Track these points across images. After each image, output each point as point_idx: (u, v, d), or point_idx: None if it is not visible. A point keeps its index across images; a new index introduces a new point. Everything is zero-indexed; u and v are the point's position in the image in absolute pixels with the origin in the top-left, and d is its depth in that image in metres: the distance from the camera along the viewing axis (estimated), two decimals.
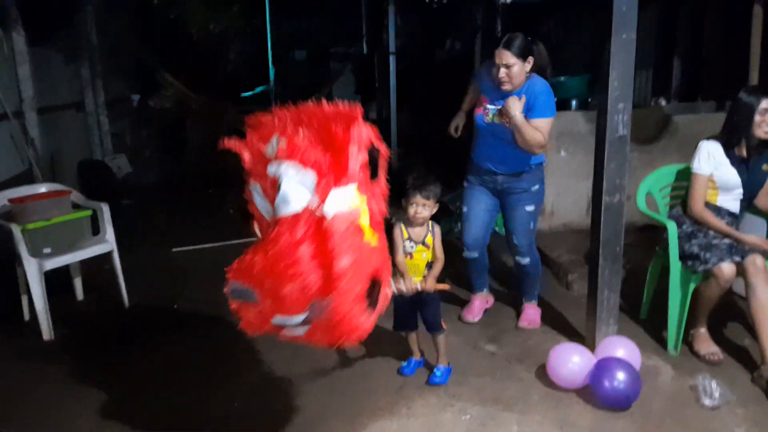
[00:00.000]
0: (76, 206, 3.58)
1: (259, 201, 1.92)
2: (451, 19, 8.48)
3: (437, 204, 2.62)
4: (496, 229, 3.55)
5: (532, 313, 3.29)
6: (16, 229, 3.14)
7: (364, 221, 1.79)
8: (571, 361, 2.60)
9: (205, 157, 8.34)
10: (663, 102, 5.21)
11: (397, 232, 2.65)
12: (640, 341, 2.88)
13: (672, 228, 2.90)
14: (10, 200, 3.41)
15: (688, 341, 2.97)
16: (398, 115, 7.06)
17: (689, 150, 3.00)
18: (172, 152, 8.28)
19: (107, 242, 3.51)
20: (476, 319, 3.33)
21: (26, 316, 3.46)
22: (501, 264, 3.98)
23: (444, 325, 2.76)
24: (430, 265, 2.67)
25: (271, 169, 1.82)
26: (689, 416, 2.45)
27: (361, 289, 1.73)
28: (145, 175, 7.13)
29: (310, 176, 1.76)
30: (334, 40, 10.17)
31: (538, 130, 2.84)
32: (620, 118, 2.59)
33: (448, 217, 4.76)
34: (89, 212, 3.53)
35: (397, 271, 2.60)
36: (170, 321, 3.44)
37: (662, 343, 3.00)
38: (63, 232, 3.41)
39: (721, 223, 2.86)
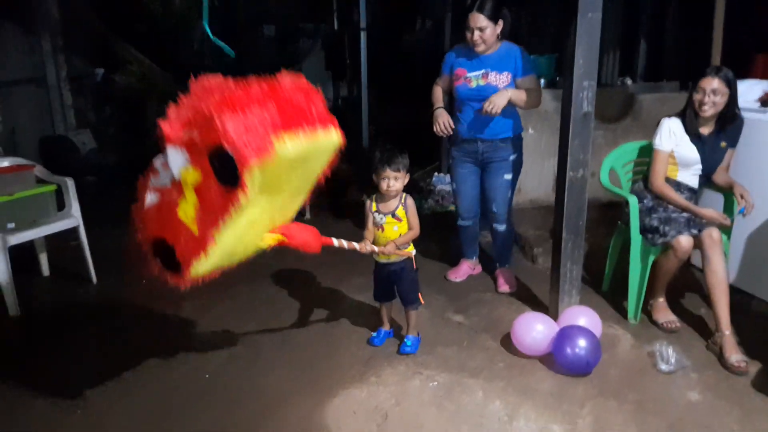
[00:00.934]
0: (41, 181, 3.52)
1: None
2: None
3: (408, 175, 2.65)
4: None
5: (508, 276, 3.47)
6: None
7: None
8: (535, 330, 2.68)
9: None
10: (629, 81, 5.31)
11: (366, 205, 2.69)
12: (601, 311, 2.98)
13: (633, 202, 2.99)
14: None
15: (647, 311, 3.08)
16: (369, 94, 7.03)
17: (652, 128, 3.08)
18: (134, 130, 8.13)
19: (73, 217, 3.46)
20: (459, 280, 3.57)
21: None
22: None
23: (422, 301, 2.81)
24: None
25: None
26: (646, 381, 2.55)
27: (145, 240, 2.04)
28: (109, 151, 7.00)
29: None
30: (304, 16, 10.04)
31: (532, 86, 3.10)
32: (585, 95, 2.65)
33: (418, 194, 4.80)
34: (54, 187, 3.47)
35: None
36: (138, 297, 3.42)
37: (623, 313, 3.11)
38: (27, 207, 3.34)
39: (680, 198, 2.96)
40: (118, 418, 2.36)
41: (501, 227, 3.40)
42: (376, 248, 2.62)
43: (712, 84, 2.82)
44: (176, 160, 1.88)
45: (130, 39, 7.20)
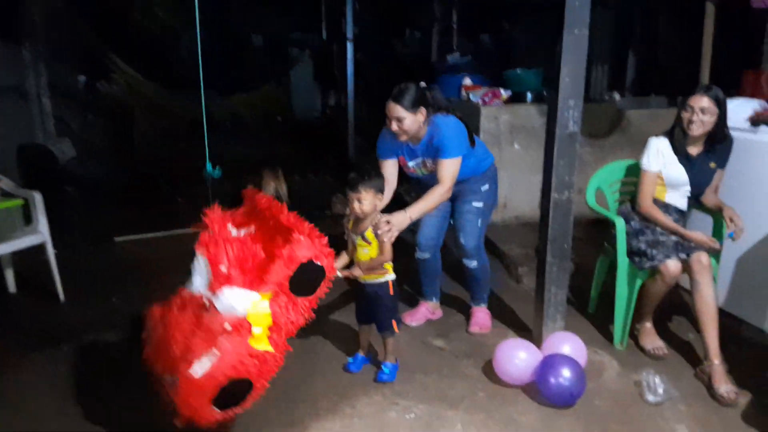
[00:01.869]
0: (7, 195, 3.38)
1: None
2: (409, 10, 8.42)
3: (380, 195, 2.55)
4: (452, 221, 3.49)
5: (482, 317, 3.20)
6: None
7: (258, 330, 2.00)
8: (518, 358, 2.58)
9: (154, 148, 8.11)
10: (617, 96, 5.25)
11: (344, 222, 2.64)
12: (587, 336, 2.90)
13: (620, 224, 2.90)
14: None
15: (634, 335, 2.99)
16: (357, 105, 6.95)
17: (640, 145, 3.00)
18: (119, 141, 8.00)
19: (39, 233, 3.32)
20: (415, 324, 3.21)
21: None
22: (455, 262, 3.94)
23: (396, 329, 2.69)
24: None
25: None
26: (633, 413, 2.45)
27: (212, 386, 1.92)
28: (90, 161, 6.85)
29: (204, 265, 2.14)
30: (292, 26, 9.99)
31: (442, 171, 2.81)
32: (570, 114, 2.56)
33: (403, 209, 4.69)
34: (20, 202, 3.33)
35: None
36: (106, 316, 3.28)
37: (609, 337, 3.01)
38: None
39: (668, 220, 2.88)
40: None
41: (471, 263, 3.07)
42: (350, 273, 2.52)
43: (701, 102, 2.74)
44: (241, 299, 2.01)
45: (115, 47, 7.09)
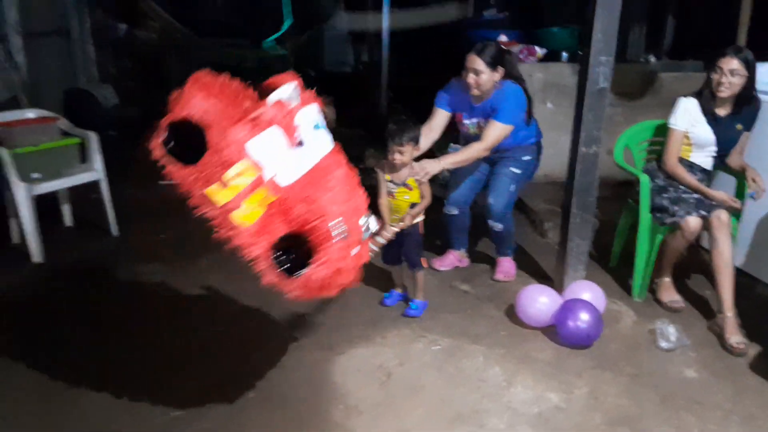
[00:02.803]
0: (65, 134, 3.61)
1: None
2: None
3: (417, 146, 2.70)
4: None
5: (507, 266, 3.32)
6: (5, 153, 3.17)
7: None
8: (539, 302, 2.74)
9: None
10: (652, 58, 5.23)
11: (379, 175, 2.74)
12: (607, 287, 3.03)
13: (645, 180, 3.00)
14: None
15: (652, 289, 3.12)
16: (390, 59, 6.98)
17: (672, 107, 3.06)
18: (154, 86, 8.18)
19: (95, 171, 3.56)
20: (443, 269, 3.35)
21: (15, 239, 3.54)
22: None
23: (425, 264, 2.89)
24: (413, 206, 2.76)
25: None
26: (644, 357, 2.61)
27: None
28: (130, 107, 7.06)
29: None
30: None
31: (489, 132, 2.93)
32: (601, 70, 2.65)
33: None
34: (77, 140, 3.56)
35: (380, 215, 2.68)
36: (156, 251, 3.53)
37: (628, 290, 3.15)
38: (51, 158, 3.44)
39: (691, 179, 2.97)
40: (136, 366, 2.49)
41: (497, 226, 3.14)
42: (396, 228, 2.68)
43: (731, 64, 2.80)
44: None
45: None
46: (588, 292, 2.81)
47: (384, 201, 2.73)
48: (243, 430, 2.13)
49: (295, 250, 1.82)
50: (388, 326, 2.77)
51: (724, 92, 2.84)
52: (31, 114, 3.64)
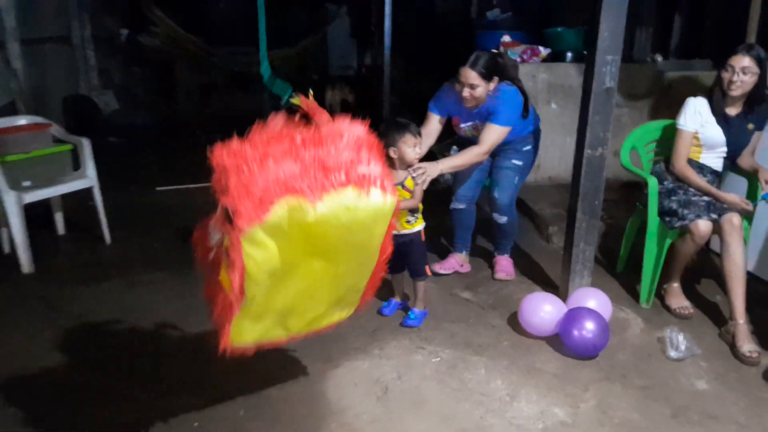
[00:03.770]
0: (58, 140, 3.54)
1: None
2: None
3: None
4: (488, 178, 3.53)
5: (506, 264, 3.31)
6: None
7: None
8: (543, 310, 2.64)
9: (194, 99, 8.27)
10: (659, 58, 5.12)
11: None
12: (613, 294, 2.94)
13: (653, 183, 2.90)
14: None
15: (660, 295, 3.02)
16: (394, 64, 6.90)
17: (680, 108, 2.96)
18: (161, 93, 8.16)
19: (88, 178, 3.48)
20: (443, 272, 3.27)
21: (5, 249, 3.47)
22: (486, 218, 3.99)
23: (428, 272, 2.81)
24: (413, 212, 2.68)
25: None
26: (653, 367, 2.51)
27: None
28: (133, 113, 7.04)
29: None
30: None
31: (487, 134, 2.88)
32: (608, 70, 2.55)
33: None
34: (70, 147, 3.49)
35: None
36: (150, 259, 3.45)
37: (635, 296, 3.05)
38: (43, 165, 3.38)
39: (701, 181, 2.87)
40: (126, 377, 2.40)
41: (501, 219, 3.17)
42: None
43: (743, 62, 2.70)
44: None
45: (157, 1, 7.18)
46: (594, 299, 2.71)
47: None
48: None
49: None
50: (387, 337, 2.67)
51: (736, 91, 2.74)
52: (23, 121, 3.57)
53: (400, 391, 2.31)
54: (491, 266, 3.36)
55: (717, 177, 2.97)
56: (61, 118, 5.94)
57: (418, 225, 2.72)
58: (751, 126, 2.87)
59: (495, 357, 2.54)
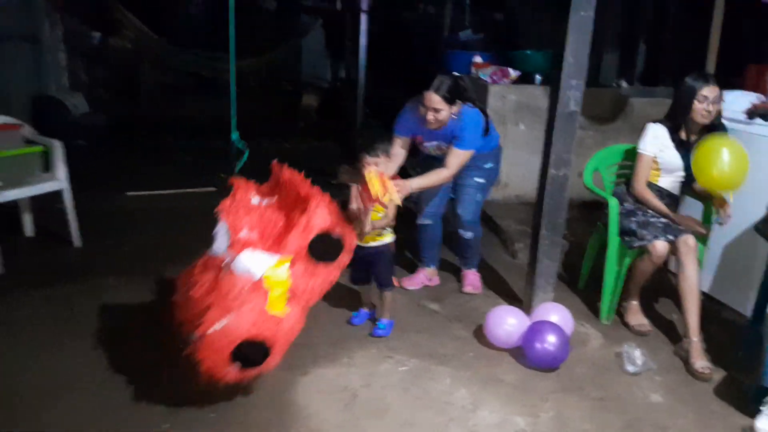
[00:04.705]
0: (28, 141, 3.51)
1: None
2: None
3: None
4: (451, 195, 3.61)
5: (473, 278, 3.39)
6: None
7: (277, 292, 2.08)
8: (507, 323, 2.72)
9: (160, 102, 8.22)
10: (624, 84, 5.32)
11: (353, 190, 2.72)
12: (575, 310, 3.04)
13: (613, 204, 3.02)
14: None
15: (620, 312, 3.13)
16: (366, 76, 6.99)
17: (642, 132, 3.10)
18: (130, 96, 8.09)
19: (58, 180, 3.46)
20: (412, 288, 3.34)
21: None
22: (452, 232, 4.08)
23: (396, 283, 2.87)
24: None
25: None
26: (610, 380, 2.61)
27: (226, 345, 1.99)
28: (101, 116, 6.94)
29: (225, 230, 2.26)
30: None
31: (452, 158, 2.97)
32: (572, 94, 2.67)
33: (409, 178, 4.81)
34: (40, 148, 3.46)
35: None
36: (119, 263, 3.43)
37: (596, 312, 3.15)
38: (12, 166, 3.33)
39: (659, 203, 3.00)
40: (93, 381, 2.39)
41: (466, 234, 3.25)
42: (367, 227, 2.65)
43: (715, 92, 2.84)
44: (258, 262, 2.10)
45: (126, 3, 7.13)
46: (556, 314, 2.81)
47: (352, 208, 2.69)
48: None
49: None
50: (355, 346, 2.72)
51: (707, 118, 2.87)
52: None
53: (366, 399, 2.36)
54: (459, 280, 3.44)
55: (674, 200, 3.10)
56: (29, 120, 5.82)
57: (388, 237, 2.78)
58: None
59: (459, 367, 2.61)
